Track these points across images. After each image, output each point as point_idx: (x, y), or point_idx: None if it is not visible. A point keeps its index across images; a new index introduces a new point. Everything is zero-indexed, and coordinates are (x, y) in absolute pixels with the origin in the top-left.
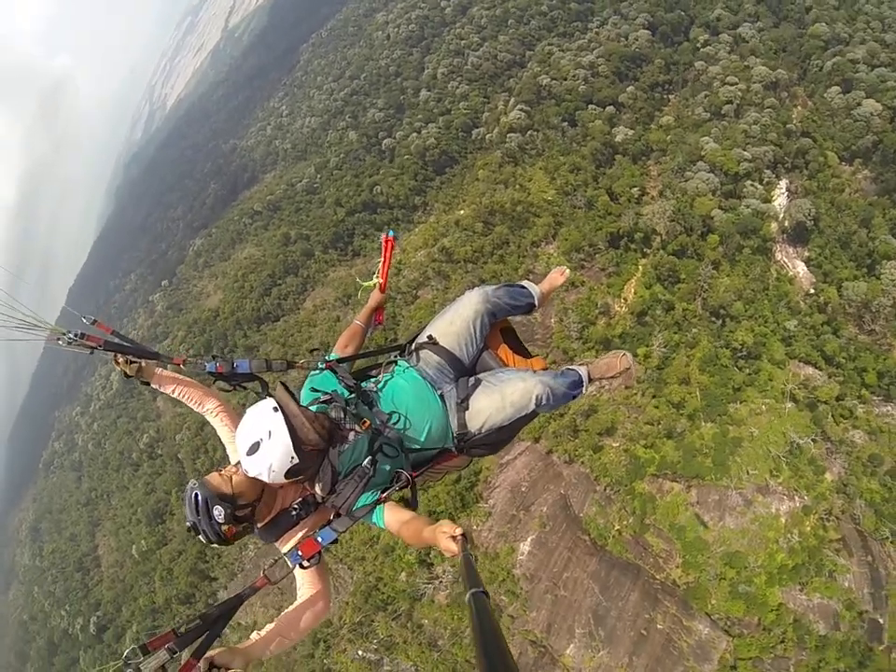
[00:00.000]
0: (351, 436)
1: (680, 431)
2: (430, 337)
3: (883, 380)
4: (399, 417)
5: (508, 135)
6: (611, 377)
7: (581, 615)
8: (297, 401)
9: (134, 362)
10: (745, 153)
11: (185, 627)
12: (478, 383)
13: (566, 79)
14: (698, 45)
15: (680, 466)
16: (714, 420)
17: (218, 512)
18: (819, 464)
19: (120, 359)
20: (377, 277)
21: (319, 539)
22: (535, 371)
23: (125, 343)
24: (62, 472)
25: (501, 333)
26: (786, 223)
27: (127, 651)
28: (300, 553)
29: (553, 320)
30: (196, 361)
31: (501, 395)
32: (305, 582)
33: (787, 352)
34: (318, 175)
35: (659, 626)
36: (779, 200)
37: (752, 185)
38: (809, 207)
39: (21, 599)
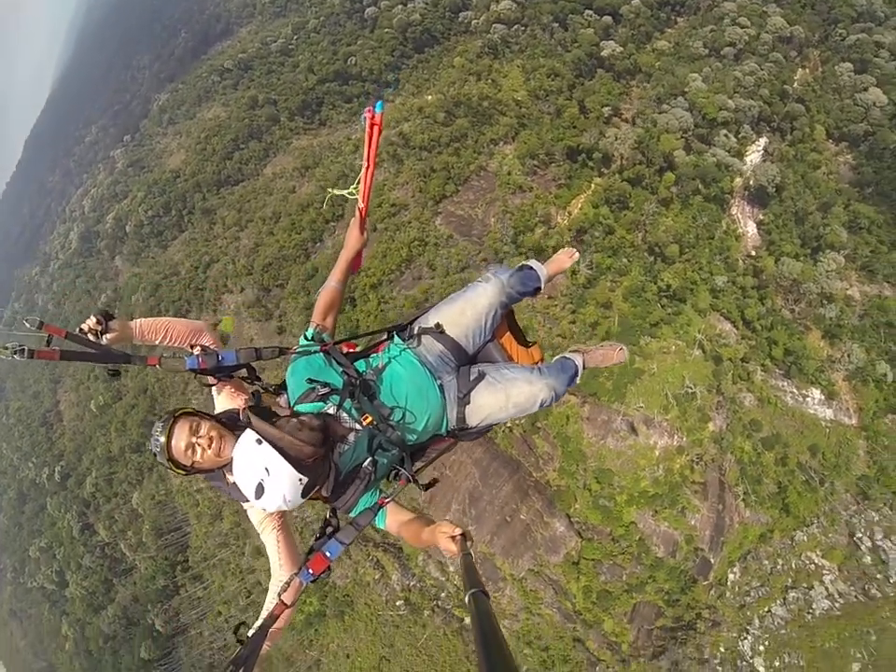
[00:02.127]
0: (351, 436)
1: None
2: (438, 325)
3: (788, 357)
4: (401, 412)
5: (494, 25)
6: (603, 366)
7: (458, 494)
8: (272, 423)
9: (106, 331)
10: (729, 101)
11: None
12: (481, 377)
13: None
14: None
15: (581, 381)
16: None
17: None
18: (706, 413)
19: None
20: (355, 188)
21: (328, 555)
22: (539, 371)
23: (87, 349)
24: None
25: (504, 318)
26: (750, 182)
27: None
28: (310, 570)
29: (492, 219)
30: (173, 358)
31: (506, 395)
32: (282, 552)
33: (711, 303)
34: (295, 37)
35: (522, 517)
36: (752, 156)
37: (726, 135)
38: (775, 174)
39: None
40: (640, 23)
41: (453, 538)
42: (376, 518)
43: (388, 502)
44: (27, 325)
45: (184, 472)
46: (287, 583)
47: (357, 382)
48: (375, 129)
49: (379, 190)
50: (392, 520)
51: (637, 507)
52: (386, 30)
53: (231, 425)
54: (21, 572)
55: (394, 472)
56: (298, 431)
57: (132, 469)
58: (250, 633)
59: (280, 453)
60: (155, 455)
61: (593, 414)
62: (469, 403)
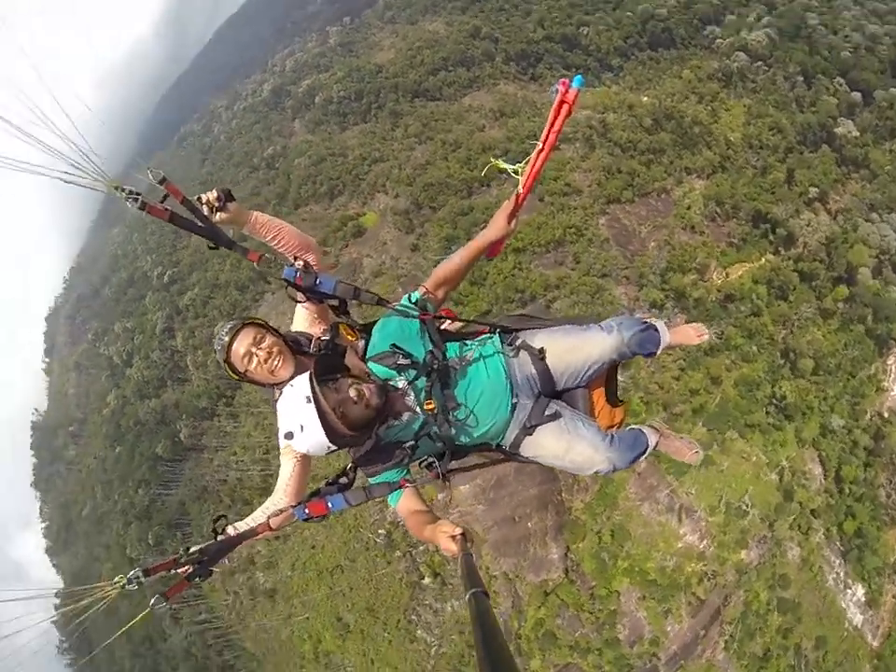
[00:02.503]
0: (406, 415)
1: (679, 413)
2: (542, 350)
3: (857, 538)
4: (466, 412)
5: (737, 53)
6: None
7: (488, 472)
8: (331, 385)
9: (221, 210)
10: None
11: (185, 557)
12: (554, 417)
13: (836, 33)
14: None
15: None
16: (709, 429)
17: None
18: (746, 539)
19: (205, 204)
20: (522, 168)
21: (329, 505)
22: (610, 441)
23: (197, 220)
24: (191, 150)
25: (606, 370)
26: None
27: (131, 573)
28: (306, 510)
29: (652, 244)
30: (274, 262)
31: (568, 447)
32: (292, 481)
33: (815, 438)
34: None
35: (529, 524)
36: None
37: None
38: None
39: (120, 237)
40: (889, 116)
41: (453, 537)
42: (391, 495)
43: (409, 486)
44: (150, 175)
45: (237, 377)
46: (281, 511)
47: (439, 366)
48: (565, 107)
49: (559, 166)
50: (404, 503)
51: (630, 580)
52: (628, 13)
53: (297, 349)
54: (101, 339)
55: (428, 462)
56: (351, 406)
57: (228, 302)
58: (228, 529)
59: (321, 421)
60: (215, 351)
61: (646, 473)
62: (531, 435)
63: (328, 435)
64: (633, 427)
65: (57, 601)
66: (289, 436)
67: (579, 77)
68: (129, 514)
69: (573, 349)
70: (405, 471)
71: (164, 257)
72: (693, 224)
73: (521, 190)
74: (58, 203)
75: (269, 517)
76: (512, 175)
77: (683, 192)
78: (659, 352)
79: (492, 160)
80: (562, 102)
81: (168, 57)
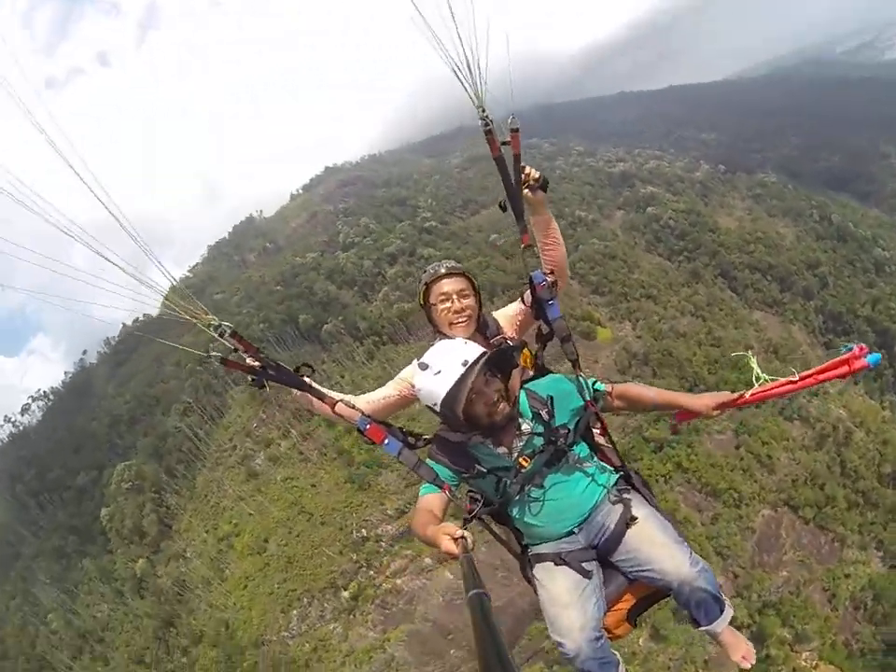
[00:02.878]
0: (502, 450)
1: None
2: (634, 518)
3: None
4: (539, 497)
5: None
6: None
7: None
8: (487, 376)
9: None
10: None
11: (264, 357)
12: (583, 573)
13: None
14: None
15: None
16: None
17: None
18: None
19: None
20: (764, 380)
21: (385, 441)
22: (595, 639)
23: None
24: None
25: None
26: None
27: (225, 324)
28: (368, 425)
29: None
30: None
31: (569, 603)
32: (380, 401)
33: None
34: None
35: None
36: None
37: None
38: None
39: None
40: None
41: (455, 539)
42: (428, 485)
43: (445, 491)
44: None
45: (422, 305)
46: (353, 408)
47: (560, 446)
48: (844, 368)
49: None
50: (430, 499)
51: None
52: None
53: (481, 328)
54: None
55: (474, 496)
56: (482, 403)
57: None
58: (306, 378)
59: (454, 385)
60: (425, 272)
61: None
62: (554, 565)
63: (446, 398)
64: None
65: (157, 301)
66: (423, 366)
67: (878, 356)
68: None
69: (655, 543)
70: (456, 481)
71: None
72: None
73: (747, 395)
74: None
75: (341, 401)
76: (753, 379)
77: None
78: (704, 627)
79: (750, 353)
80: (845, 362)
81: None
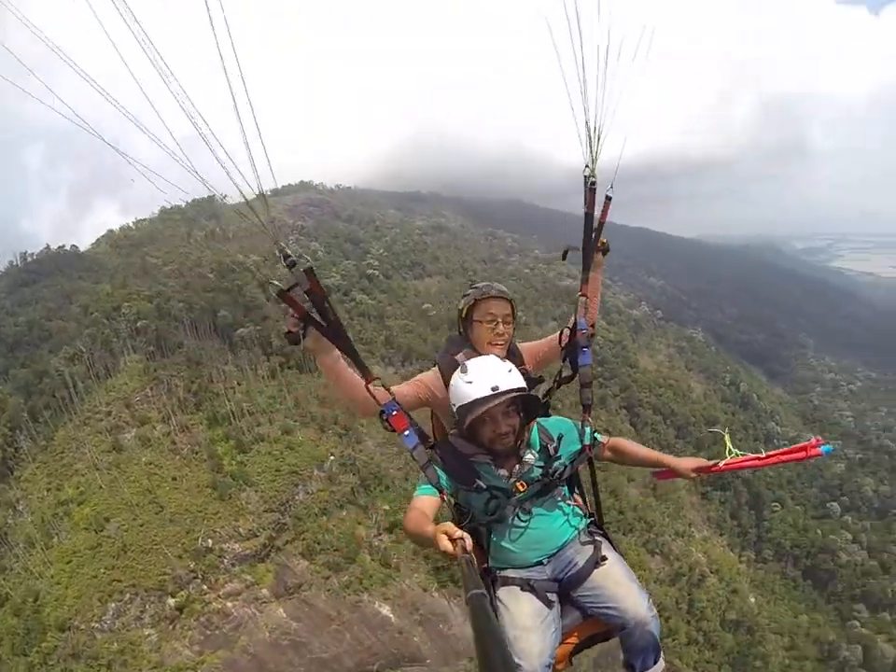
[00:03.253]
0: (502, 472)
1: None
2: (603, 559)
3: None
4: (524, 523)
5: None
6: None
7: None
8: (516, 410)
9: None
10: None
11: (311, 310)
12: (545, 602)
13: None
14: None
15: None
16: None
17: None
18: None
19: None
20: (735, 454)
21: (406, 431)
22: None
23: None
24: None
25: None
26: None
27: (298, 268)
28: (395, 411)
29: None
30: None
31: (531, 627)
32: (402, 395)
33: None
34: None
35: None
36: None
37: None
38: None
39: None
40: None
41: (452, 540)
42: (425, 486)
43: (442, 495)
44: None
45: (463, 317)
46: (387, 390)
47: (553, 480)
48: (801, 454)
49: None
50: (426, 500)
51: None
52: None
53: (511, 358)
54: None
55: (460, 507)
56: (497, 423)
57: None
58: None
59: (473, 401)
60: (476, 289)
61: None
62: (520, 590)
63: (463, 406)
64: None
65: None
66: (464, 369)
67: (831, 448)
68: None
69: (620, 584)
70: (452, 490)
71: None
72: None
73: (721, 465)
74: None
75: (373, 380)
76: (727, 452)
77: None
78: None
79: (725, 430)
80: (804, 448)
81: None
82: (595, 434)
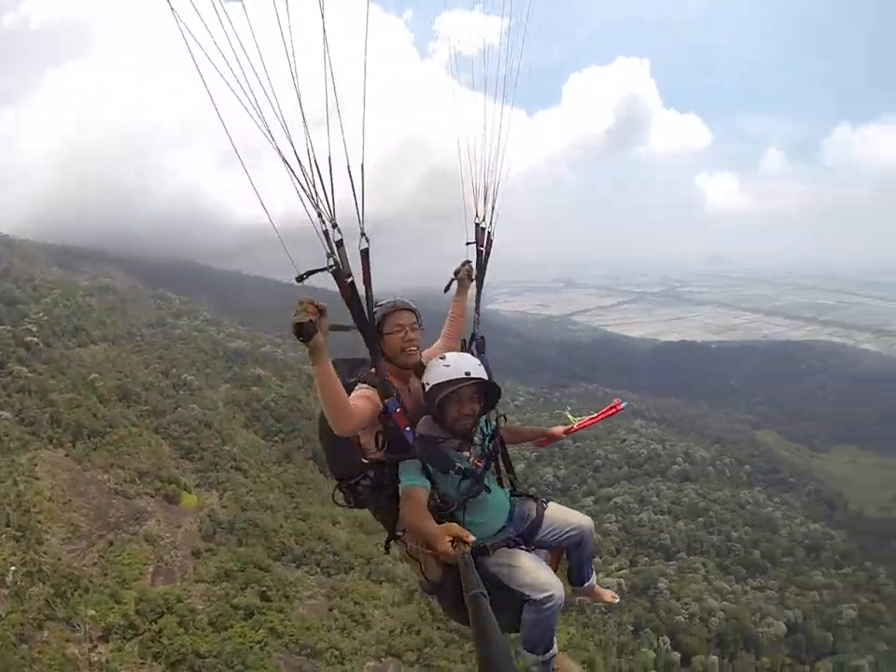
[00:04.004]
0: (466, 454)
1: None
2: (546, 502)
3: None
4: (485, 499)
5: None
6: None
7: None
8: (479, 396)
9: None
10: None
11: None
12: (529, 550)
13: (678, 599)
14: None
15: None
16: None
17: None
18: None
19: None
20: (576, 419)
21: (407, 429)
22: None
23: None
24: None
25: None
26: None
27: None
28: (398, 409)
29: None
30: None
31: (538, 566)
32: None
33: None
34: None
35: None
36: None
37: None
38: None
39: None
40: None
41: (452, 541)
42: (412, 476)
43: (435, 487)
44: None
45: (378, 327)
46: (392, 387)
47: (492, 456)
48: (613, 410)
49: None
50: (420, 493)
51: None
52: None
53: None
54: None
55: (444, 498)
56: (465, 407)
57: None
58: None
59: (448, 380)
60: (381, 306)
61: None
62: (509, 548)
63: (437, 384)
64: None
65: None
66: (442, 357)
67: (626, 403)
68: None
69: (565, 512)
70: (430, 483)
71: None
72: None
73: (574, 426)
74: None
75: (368, 377)
76: (573, 419)
77: None
78: (587, 583)
79: (568, 409)
80: (614, 406)
81: None
82: (493, 423)
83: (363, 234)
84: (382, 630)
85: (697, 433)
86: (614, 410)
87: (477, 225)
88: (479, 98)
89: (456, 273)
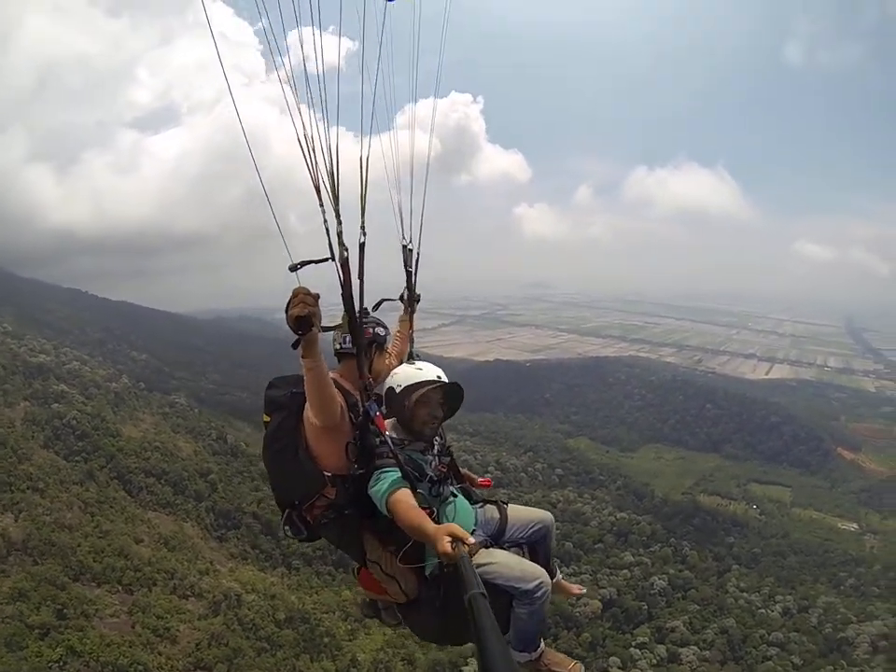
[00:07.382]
0: (430, 457)
1: None
2: (506, 503)
3: None
4: (453, 504)
5: None
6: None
7: None
8: (446, 401)
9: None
10: None
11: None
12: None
13: None
14: None
15: None
16: None
17: None
18: None
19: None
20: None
21: (387, 433)
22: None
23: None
24: None
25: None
26: None
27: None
28: (378, 413)
29: None
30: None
31: (520, 560)
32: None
33: None
34: None
35: None
36: None
37: None
38: None
39: None
40: None
41: (451, 542)
42: (395, 478)
43: (414, 490)
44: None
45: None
46: (376, 397)
47: (452, 461)
48: (488, 482)
49: None
50: (407, 494)
51: None
52: None
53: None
54: None
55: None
56: (431, 405)
57: None
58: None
59: (421, 381)
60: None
61: None
62: (486, 548)
63: (409, 386)
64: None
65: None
66: (412, 362)
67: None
68: None
69: (526, 510)
70: (392, 476)
71: None
72: None
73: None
74: None
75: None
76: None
77: None
78: (553, 580)
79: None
80: (488, 481)
81: None
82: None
83: (363, 228)
84: (188, 644)
85: (512, 443)
86: (489, 483)
87: (405, 247)
88: (317, 117)
89: (401, 297)
